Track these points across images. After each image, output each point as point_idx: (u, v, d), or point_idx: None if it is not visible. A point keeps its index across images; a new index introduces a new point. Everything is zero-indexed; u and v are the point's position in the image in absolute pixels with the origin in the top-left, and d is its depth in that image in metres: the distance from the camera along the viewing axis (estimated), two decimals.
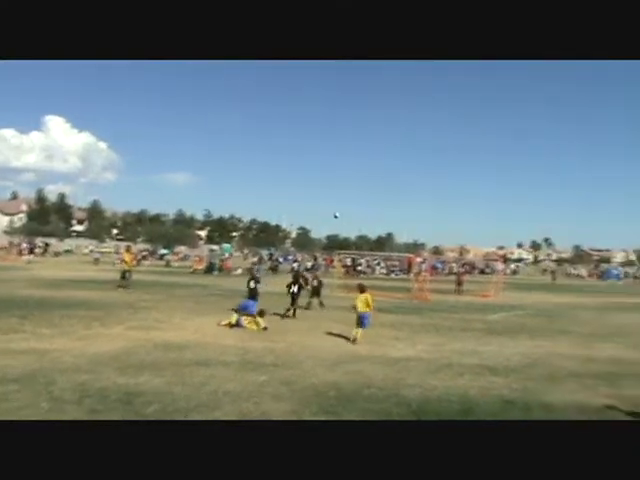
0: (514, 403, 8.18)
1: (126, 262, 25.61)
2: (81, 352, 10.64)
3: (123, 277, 24.76)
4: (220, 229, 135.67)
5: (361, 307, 13.64)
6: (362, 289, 14.08)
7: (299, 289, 18.83)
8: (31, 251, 56.00)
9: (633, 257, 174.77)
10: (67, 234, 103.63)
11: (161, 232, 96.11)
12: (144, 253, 61.21)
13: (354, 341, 13.16)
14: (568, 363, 11.60)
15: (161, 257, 66.99)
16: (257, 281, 16.72)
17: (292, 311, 17.89)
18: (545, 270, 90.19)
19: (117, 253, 63.15)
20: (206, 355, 10.91)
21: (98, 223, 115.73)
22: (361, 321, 13.54)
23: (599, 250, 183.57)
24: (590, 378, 10.13)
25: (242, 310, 15.26)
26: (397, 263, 63.06)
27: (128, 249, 28.53)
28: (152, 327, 14.13)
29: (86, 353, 10.56)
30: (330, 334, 14.56)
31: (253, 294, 16.06)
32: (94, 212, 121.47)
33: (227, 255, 59.00)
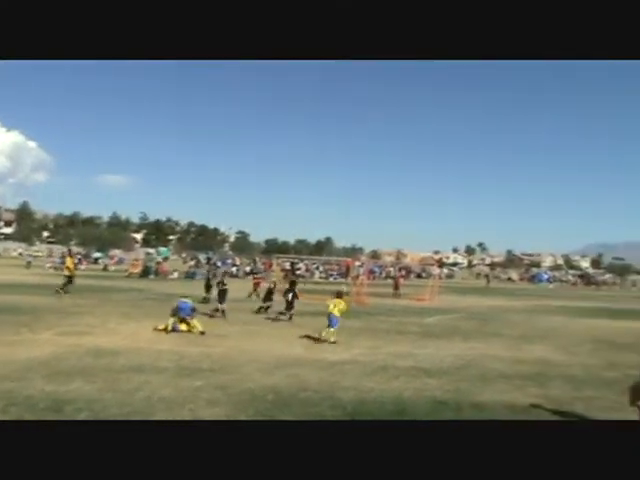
0: (446, 404, 8.36)
1: (68, 267, 24.84)
2: (9, 359, 10.24)
3: (69, 282, 24.01)
4: (157, 232, 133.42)
5: (331, 309, 14.55)
6: (339, 295, 15.30)
7: (294, 295, 18.91)
8: None
9: (561, 261, 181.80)
10: None
11: (95, 235, 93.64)
12: (78, 257, 59.43)
13: (329, 341, 14.02)
14: (499, 364, 11.93)
15: (95, 261, 65.21)
16: (224, 284, 18.90)
17: (289, 316, 18.33)
18: (479, 274, 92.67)
19: (50, 256, 61.18)
20: (140, 361, 10.69)
21: (27, 225, 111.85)
22: (331, 322, 14.36)
23: (530, 255, 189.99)
24: (519, 379, 10.46)
25: (178, 313, 15.03)
26: (336, 267, 63.44)
27: (70, 254, 27.66)
28: (84, 332, 13.74)
29: (14, 360, 10.18)
30: (269, 338, 14.53)
31: (222, 296, 18.43)
32: (23, 214, 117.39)
33: (160, 259, 57.98)
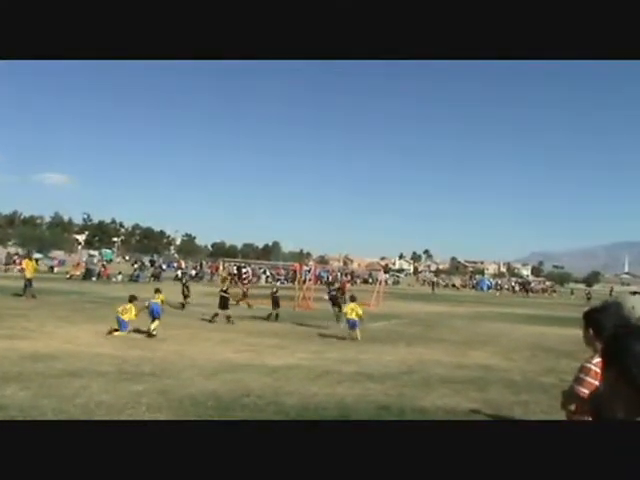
0: (389, 408, 8.42)
1: (25, 269, 24.07)
2: None
3: (26, 286, 23.27)
4: (100, 234, 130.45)
5: (349, 313, 16.72)
6: (353, 299, 17.72)
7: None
8: None
9: (504, 269, 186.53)
10: None
11: (35, 235, 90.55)
12: (15, 258, 57.46)
13: (354, 339, 16.22)
14: (441, 370, 12.11)
15: (35, 262, 63.18)
16: (226, 292, 19.79)
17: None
18: (424, 281, 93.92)
19: None
20: (79, 365, 10.39)
21: None
22: (351, 325, 16.60)
23: (473, 262, 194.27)
24: (460, 384, 10.64)
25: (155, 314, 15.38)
26: (283, 271, 63.35)
27: (29, 257, 26.86)
28: (19, 336, 13.25)
29: None
30: (213, 343, 14.38)
31: (224, 303, 19.26)
32: None
33: (96, 260, 56.66)
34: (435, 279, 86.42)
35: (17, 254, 63.19)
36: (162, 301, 16.34)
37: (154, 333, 14.82)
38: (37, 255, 67.31)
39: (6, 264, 52.55)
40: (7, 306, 19.16)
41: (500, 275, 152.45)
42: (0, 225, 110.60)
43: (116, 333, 14.50)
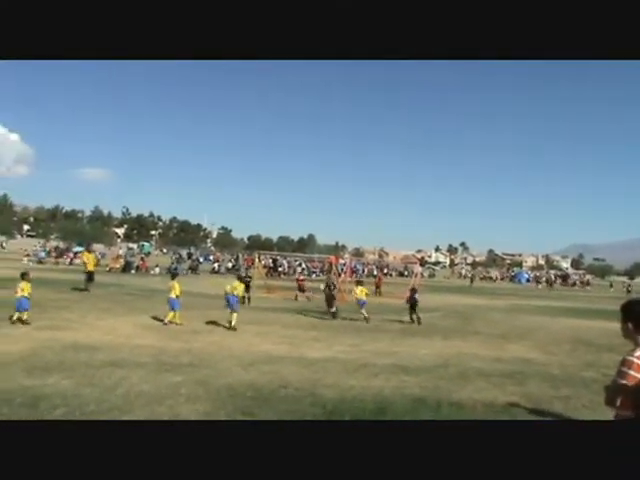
0: (425, 401, 8.38)
1: (88, 263, 24.65)
2: None
3: (89, 279, 23.93)
4: (139, 227, 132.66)
5: (359, 294, 19.49)
6: (360, 283, 20.61)
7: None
8: None
9: (542, 262, 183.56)
10: None
11: (76, 229, 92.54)
12: (64, 250, 58.94)
13: (367, 320, 18.68)
14: (478, 363, 11.99)
15: (75, 255, 64.56)
16: (331, 288, 20.73)
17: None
18: (461, 274, 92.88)
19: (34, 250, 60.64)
20: (119, 356, 10.60)
21: (7, 218, 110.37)
22: (361, 304, 19.28)
23: (511, 255, 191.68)
24: (498, 377, 10.52)
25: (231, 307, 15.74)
26: (318, 264, 63.44)
27: (89, 250, 27.55)
28: (62, 327, 13.59)
29: None
30: (251, 335, 14.50)
31: (329, 300, 20.20)
32: (3, 207, 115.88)
33: (136, 253, 57.62)
34: (474, 272, 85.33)
35: (57, 247, 64.66)
36: (239, 292, 16.31)
37: (234, 325, 15.18)
38: (79, 248, 68.84)
39: (56, 257, 53.92)
40: (50, 298, 19.58)
41: (538, 267, 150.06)
42: (43, 219, 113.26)
43: (173, 321, 15.18)
